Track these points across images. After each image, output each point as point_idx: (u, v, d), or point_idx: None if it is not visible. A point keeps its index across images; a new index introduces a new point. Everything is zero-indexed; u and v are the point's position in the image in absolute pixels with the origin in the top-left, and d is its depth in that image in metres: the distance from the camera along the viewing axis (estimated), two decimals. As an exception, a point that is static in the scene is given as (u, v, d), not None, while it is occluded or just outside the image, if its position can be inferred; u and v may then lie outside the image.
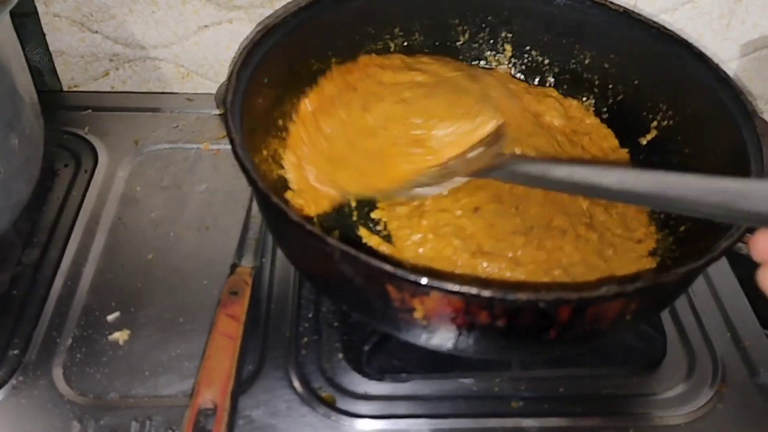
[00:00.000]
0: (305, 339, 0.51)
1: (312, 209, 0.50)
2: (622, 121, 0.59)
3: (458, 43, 0.63)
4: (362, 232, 0.52)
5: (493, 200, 0.50)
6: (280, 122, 0.54)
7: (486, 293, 0.35)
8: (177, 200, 0.62)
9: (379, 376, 0.49)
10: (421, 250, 0.49)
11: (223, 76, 0.72)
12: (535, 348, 0.42)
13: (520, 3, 0.61)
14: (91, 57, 0.71)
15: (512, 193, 0.51)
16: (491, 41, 0.63)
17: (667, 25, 0.55)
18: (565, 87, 0.63)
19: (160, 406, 0.47)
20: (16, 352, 0.49)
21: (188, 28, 0.69)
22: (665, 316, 0.54)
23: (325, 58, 0.58)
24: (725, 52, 0.71)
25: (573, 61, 0.61)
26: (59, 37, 0.69)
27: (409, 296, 0.37)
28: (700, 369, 0.51)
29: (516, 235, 0.48)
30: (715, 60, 0.52)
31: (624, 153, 0.58)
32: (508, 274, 0.46)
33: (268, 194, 0.39)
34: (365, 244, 0.51)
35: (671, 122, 0.56)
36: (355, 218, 0.54)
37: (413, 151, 0.51)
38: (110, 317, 0.52)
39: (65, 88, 0.73)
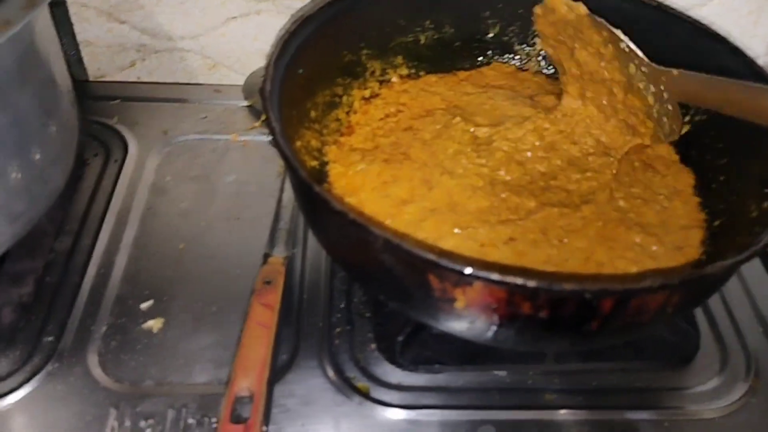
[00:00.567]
0: (338, 329, 0.52)
1: None
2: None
3: (488, 36, 0.64)
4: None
5: (536, 231, 0.48)
6: (312, 113, 0.55)
7: (532, 283, 0.35)
8: (206, 191, 0.62)
9: (412, 366, 0.49)
10: None
11: (249, 68, 0.72)
12: (574, 340, 0.42)
13: (551, -4, 0.61)
14: (118, 47, 0.71)
15: (562, 227, 0.48)
16: (522, 34, 0.63)
17: (697, 21, 0.55)
18: (596, 81, 0.62)
19: (195, 394, 0.47)
20: (50, 339, 0.50)
21: (215, 20, 0.69)
22: (698, 311, 0.54)
23: (356, 50, 0.58)
24: (753, 48, 0.71)
25: (604, 54, 0.61)
26: (87, 27, 0.70)
27: (451, 286, 0.38)
28: (733, 363, 0.51)
29: (546, 265, 0.46)
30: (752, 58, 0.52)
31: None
32: None
33: (310, 183, 0.39)
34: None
35: (705, 116, 0.55)
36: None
37: None
38: (144, 305, 0.52)
39: (91, 78, 0.73)
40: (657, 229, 0.49)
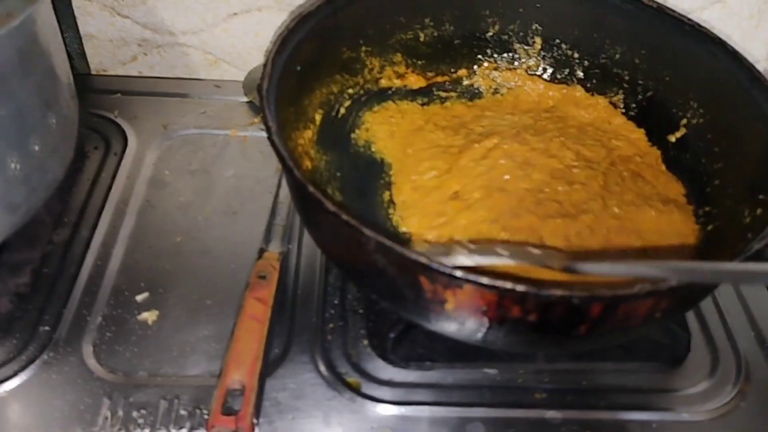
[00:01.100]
0: (331, 325, 0.52)
1: None
2: (652, 118, 0.59)
3: (488, 35, 0.63)
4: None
5: (558, 239, 0.49)
6: (310, 112, 0.55)
7: (521, 288, 0.35)
8: (205, 185, 0.62)
9: (403, 363, 0.50)
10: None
11: (250, 65, 0.72)
12: (563, 343, 0.42)
13: (552, -5, 0.61)
14: (120, 42, 0.72)
15: (572, 236, 0.49)
16: (521, 33, 0.63)
17: (697, 24, 0.55)
18: (594, 81, 0.62)
19: (187, 385, 0.48)
20: (46, 328, 0.50)
21: (217, 16, 0.69)
22: (690, 314, 0.54)
23: (355, 47, 0.58)
24: (754, 52, 0.71)
25: (603, 55, 0.61)
26: (90, 21, 0.70)
27: (442, 288, 0.38)
28: (723, 367, 0.51)
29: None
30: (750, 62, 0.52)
31: (656, 151, 0.58)
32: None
33: (305, 183, 0.40)
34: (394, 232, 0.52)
35: (701, 120, 0.55)
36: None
37: None
38: (139, 297, 0.53)
39: (93, 72, 0.74)
40: (653, 236, 0.49)
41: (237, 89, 0.71)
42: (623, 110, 0.61)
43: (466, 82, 0.65)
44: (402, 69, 0.62)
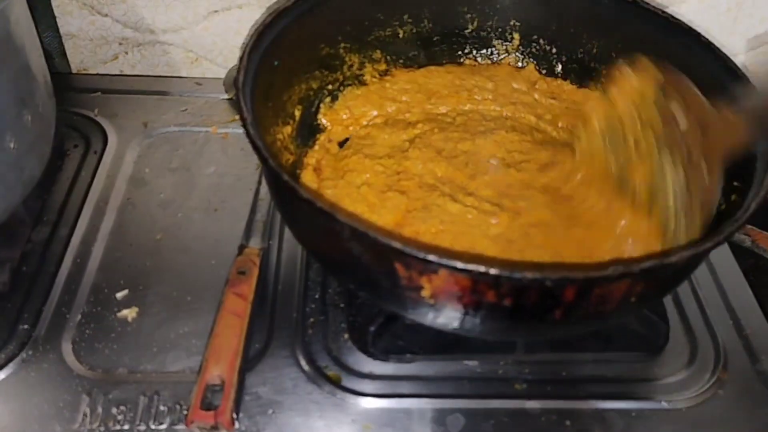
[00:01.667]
0: (312, 319, 0.52)
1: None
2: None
3: (466, 31, 0.64)
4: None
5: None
6: (289, 107, 0.55)
7: (494, 271, 0.35)
8: (185, 182, 0.62)
9: (384, 356, 0.50)
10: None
11: (231, 62, 0.73)
12: (540, 329, 0.42)
13: (529, -9, 0.61)
14: (101, 40, 0.71)
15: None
16: (499, 29, 0.64)
17: (674, 17, 0.56)
18: (572, 76, 0.63)
19: (167, 381, 0.47)
20: (26, 326, 0.50)
21: (198, 14, 0.69)
22: (669, 304, 0.55)
23: (334, 43, 0.59)
24: (732, 46, 0.71)
25: (581, 50, 0.62)
26: (69, 20, 0.70)
27: (417, 274, 0.38)
28: (702, 356, 0.51)
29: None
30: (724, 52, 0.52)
31: None
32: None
33: (279, 172, 0.40)
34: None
35: (677, 112, 0.56)
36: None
37: None
38: (119, 295, 0.53)
39: (74, 71, 0.74)
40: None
41: (218, 87, 0.71)
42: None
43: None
44: (383, 66, 0.62)
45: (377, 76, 0.62)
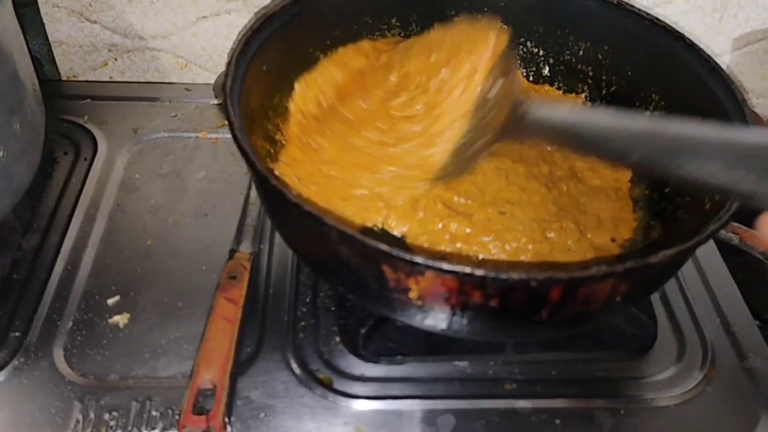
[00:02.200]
0: (303, 323, 0.52)
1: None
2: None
3: (454, 34, 0.64)
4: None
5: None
6: (279, 110, 0.55)
7: (479, 272, 0.35)
8: (176, 188, 0.62)
9: (375, 358, 0.50)
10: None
11: (221, 67, 0.73)
12: (527, 329, 0.43)
13: (515, -6, 0.62)
14: (90, 47, 0.72)
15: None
16: (487, 32, 0.64)
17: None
18: (559, 78, 0.63)
19: (159, 387, 0.48)
20: (17, 334, 0.50)
21: (187, 19, 0.70)
22: (656, 302, 0.55)
23: (323, 47, 0.59)
24: (717, 46, 0.72)
25: (567, 52, 0.62)
26: (58, 27, 0.70)
27: (404, 276, 0.38)
28: (690, 353, 0.52)
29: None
30: (708, 53, 0.53)
31: None
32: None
33: (267, 175, 0.40)
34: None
35: (663, 112, 0.57)
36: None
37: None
38: (110, 301, 0.53)
39: (64, 78, 0.74)
40: (609, 224, 0.50)
41: (207, 92, 0.71)
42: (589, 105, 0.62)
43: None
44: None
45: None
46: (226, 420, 0.45)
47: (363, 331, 0.51)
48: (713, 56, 0.53)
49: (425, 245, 0.49)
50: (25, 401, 0.46)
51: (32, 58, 0.59)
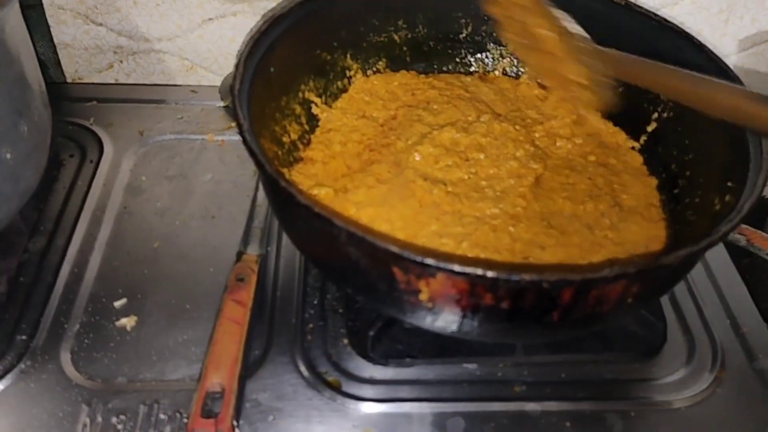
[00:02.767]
0: (311, 325, 0.52)
1: None
2: (623, 113, 0.60)
3: (461, 36, 0.64)
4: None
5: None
6: (287, 111, 0.55)
7: (491, 274, 0.35)
8: (182, 190, 0.62)
9: (383, 360, 0.50)
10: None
11: (226, 69, 0.73)
12: (537, 331, 0.42)
13: (522, -5, 0.62)
14: (96, 49, 0.72)
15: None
16: (493, 33, 0.64)
17: (666, 19, 0.56)
18: (566, 79, 0.63)
19: (167, 390, 0.47)
20: (23, 337, 0.50)
21: (192, 21, 0.70)
22: (666, 303, 0.55)
23: (330, 49, 0.59)
24: (723, 47, 0.72)
25: (574, 53, 0.62)
26: (64, 29, 0.70)
27: (415, 278, 0.38)
28: (699, 355, 0.52)
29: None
30: (716, 54, 0.53)
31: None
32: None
33: (276, 177, 0.40)
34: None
35: (671, 113, 0.56)
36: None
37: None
38: (117, 304, 0.53)
39: (69, 80, 0.74)
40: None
41: (213, 94, 0.71)
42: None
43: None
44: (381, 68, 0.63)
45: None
46: (235, 423, 0.45)
47: (371, 333, 0.51)
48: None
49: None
50: (33, 405, 0.46)
51: (37, 60, 0.59)
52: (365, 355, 0.50)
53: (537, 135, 0.58)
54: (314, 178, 0.52)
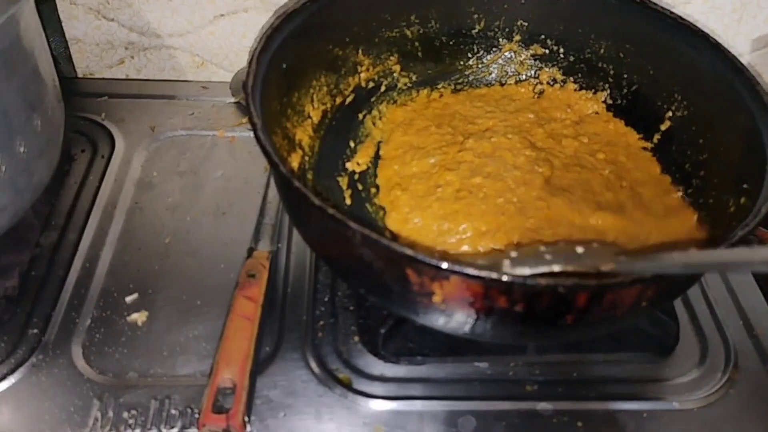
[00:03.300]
0: (321, 322, 0.52)
1: None
2: (637, 111, 0.60)
3: (474, 31, 0.64)
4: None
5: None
6: (298, 108, 0.55)
7: (506, 278, 0.35)
8: (193, 186, 0.62)
9: (394, 358, 0.50)
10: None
11: (237, 66, 0.73)
12: (551, 333, 0.42)
13: (535, -9, 0.61)
14: (107, 45, 0.72)
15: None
16: (507, 30, 0.64)
17: (680, 17, 0.55)
18: (579, 76, 0.63)
19: (178, 385, 0.48)
20: (35, 331, 0.50)
21: (204, 17, 0.69)
22: (678, 304, 0.55)
23: (342, 44, 0.58)
24: (737, 46, 0.71)
25: (588, 50, 0.62)
26: (75, 24, 0.70)
27: (429, 280, 0.38)
28: (712, 355, 0.51)
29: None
30: (732, 53, 0.52)
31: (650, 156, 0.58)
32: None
33: (290, 178, 0.40)
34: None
35: (686, 112, 0.56)
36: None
37: None
38: (128, 299, 0.53)
39: (80, 76, 0.74)
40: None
41: (224, 90, 0.71)
42: (609, 104, 0.62)
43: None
44: (397, 68, 0.62)
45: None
46: (246, 419, 0.45)
47: (383, 330, 0.50)
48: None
49: None
50: (44, 399, 0.46)
51: (50, 55, 0.59)
52: (376, 353, 0.50)
53: (537, 138, 0.58)
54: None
